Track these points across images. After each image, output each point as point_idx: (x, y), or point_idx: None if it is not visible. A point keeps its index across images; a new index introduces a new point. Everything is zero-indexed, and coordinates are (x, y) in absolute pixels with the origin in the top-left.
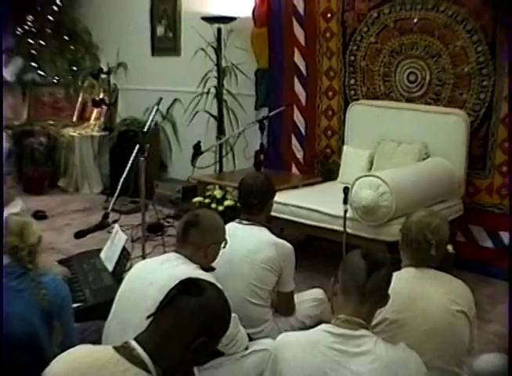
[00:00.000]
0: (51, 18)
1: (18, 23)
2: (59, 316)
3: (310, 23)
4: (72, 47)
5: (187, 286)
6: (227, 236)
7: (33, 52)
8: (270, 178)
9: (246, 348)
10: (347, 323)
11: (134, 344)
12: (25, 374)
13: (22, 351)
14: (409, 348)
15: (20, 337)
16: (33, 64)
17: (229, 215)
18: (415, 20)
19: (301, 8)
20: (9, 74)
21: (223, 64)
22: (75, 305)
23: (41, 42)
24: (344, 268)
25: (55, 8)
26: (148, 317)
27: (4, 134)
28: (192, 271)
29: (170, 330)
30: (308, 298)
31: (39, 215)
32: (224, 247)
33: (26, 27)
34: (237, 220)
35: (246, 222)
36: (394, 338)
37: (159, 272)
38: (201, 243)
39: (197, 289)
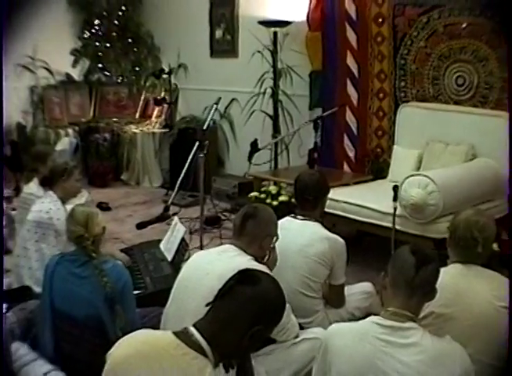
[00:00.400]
0: (116, 22)
1: (85, 27)
2: (121, 301)
3: (362, 27)
4: (135, 49)
5: (244, 276)
6: (282, 230)
7: (99, 53)
8: (325, 175)
9: (297, 337)
10: (396, 315)
11: (193, 330)
12: (92, 354)
13: (88, 333)
14: (454, 341)
15: (86, 320)
16: (99, 65)
17: (283, 210)
18: (463, 25)
19: (353, 13)
20: (76, 74)
21: (279, 66)
22: (136, 292)
23: (107, 45)
24: (394, 263)
25: (120, 13)
26: (206, 305)
27: (71, 130)
28: (247, 262)
29: (227, 318)
30: (358, 291)
31: (103, 207)
32: (275, 242)
33: (93, 30)
34: (292, 215)
35: (300, 217)
36: (440, 331)
37: (216, 263)
38: (257, 234)
39: (254, 279)
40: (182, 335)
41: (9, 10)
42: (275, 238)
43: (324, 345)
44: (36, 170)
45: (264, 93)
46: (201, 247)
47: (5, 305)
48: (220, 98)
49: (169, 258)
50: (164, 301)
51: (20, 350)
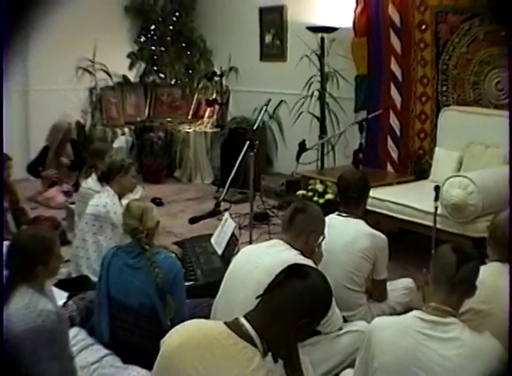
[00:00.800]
0: (170, 27)
1: (142, 32)
2: (171, 292)
3: (406, 33)
4: (189, 52)
5: (294, 270)
6: (328, 227)
7: (154, 57)
8: (366, 175)
9: (341, 329)
10: (437, 310)
11: (243, 320)
12: (146, 340)
13: (142, 321)
14: (492, 336)
15: (140, 308)
16: (154, 68)
17: (329, 208)
18: (503, 33)
19: (397, 20)
20: (133, 77)
21: (326, 70)
22: (187, 283)
23: (162, 48)
24: (436, 260)
25: (174, 18)
26: (257, 298)
27: (127, 129)
28: (294, 256)
29: (277, 310)
30: (399, 287)
31: (156, 202)
32: (322, 241)
33: (149, 35)
34: (337, 212)
35: (345, 215)
36: (479, 327)
37: (264, 257)
38: (304, 228)
39: (303, 274)
40: (233, 325)
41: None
42: (321, 237)
43: (368, 337)
44: (94, 166)
45: (311, 96)
46: (250, 242)
47: (65, 294)
48: (270, 100)
49: (219, 251)
50: (213, 292)
51: (79, 335)
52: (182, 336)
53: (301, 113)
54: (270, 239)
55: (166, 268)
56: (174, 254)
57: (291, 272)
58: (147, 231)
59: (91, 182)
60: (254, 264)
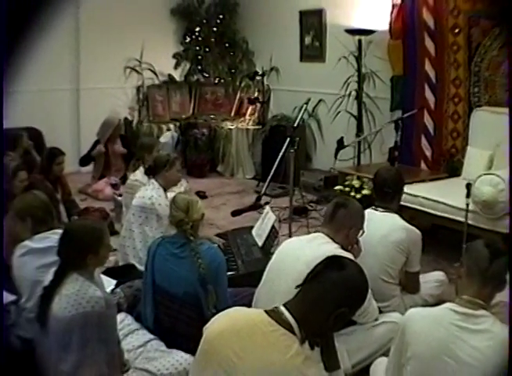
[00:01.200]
0: (214, 29)
1: (187, 33)
2: (214, 281)
3: (439, 36)
4: (231, 53)
5: (332, 262)
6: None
7: (198, 57)
8: (401, 171)
9: (376, 320)
10: (470, 303)
11: (283, 309)
12: (189, 327)
13: (186, 308)
14: None
15: (184, 296)
16: (198, 67)
17: (366, 203)
18: None
19: (431, 23)
20: (178, 76)
21: (363, 71)
22: (229, 273)
23: (206, 49)
24: (469, 255)
25: (218, 20)
26: (296, 287)
27: (172, 125)
28: (334, 250)
29: (315, 300)
30: (431, 279)
31: (200, 195)
32: (361, 236)
33: (193, 36)
34: (373, 207)
35: (381, 209)
36: (506, 320)
37: (305, 250)
38: (345, 223)
39: (341, 265)
40: (273, 313)
41: (119, 19)
42: (361, 231)
43: (402, 327)
44: (142, 159)
45: (349, 95)
46: (290, 235)
47: (113, 281)
48: (310, 99)
49: (260, 243)
50: (254, 282)
51: (125, 320)
52: (225, 323)
53: (338, 112)
54: (309, 232)
55: (209, 258)
56: (217, 246)
57: (330, 263)
58: (192, 223)
59: (138, 175)
60: (295, 256)
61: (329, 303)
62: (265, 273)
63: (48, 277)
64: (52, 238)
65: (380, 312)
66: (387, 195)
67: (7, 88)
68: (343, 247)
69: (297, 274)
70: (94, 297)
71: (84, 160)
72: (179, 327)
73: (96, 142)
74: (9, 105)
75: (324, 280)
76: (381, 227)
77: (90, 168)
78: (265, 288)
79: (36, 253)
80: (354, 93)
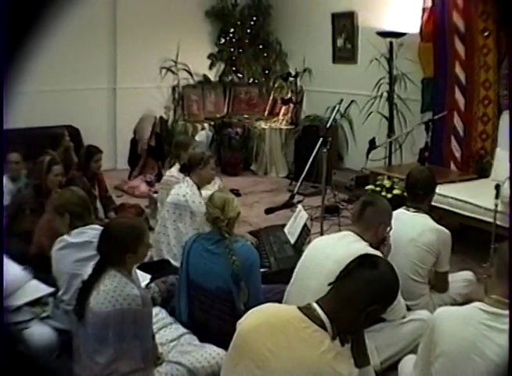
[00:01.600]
0: (248, 30)
1: (221, 35)
2: (247, 278)
3: (470, 39)
4: (265, 54)
5: (365, 260)
6: (395, 221)
7: (233, 58)
8: (433, 172)
9: (404, 317)
10: (499, 303)
11: (315, 306)
12: (222, 321)
13: (219, 303)
14: None
15: (217, 291)
16: (233, 68)
17: (396, 203)
18: None
19: (461, 26)
20: (212, 76)
21: (394, 72)
22: (262, 270)
23: (240, 50)
24: (499, 255)
25: (252, 22)
26: (329, 285)
27: (207, 124)
28: (364, 248)
29: (347, 297)
30: (460, 279)
31: (234, 193)
32: (389, 231)
33: (228, 37)
34: (404, 207)
35: (412, 210)
36: None
37: (335, 248)
38: (373, 221)
39: (373, 264)
40: (306, 310)
41: (155, 20)
42: (389, 228)
43: (431, 325)
44: (178, 156)
45: (380, 97)
46: (321, 233)
47: (147, 276)
48: (342, 99)
49: (292, 241)
50: (286, 279)
51: (159, 314)
52: (258, 318)
53: (370, 113)
54: (340, 230)
55: (243, 255)
56: (250, 243)
57: (362, 261)
58: (228, 220)
59: (174, 171)
60: (325, 254)
61: (362, 301)
62: (296, 271)
63: (86, 271)
64: (89, 233)
65: (409, 309)
66: (418, 195)
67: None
68: (372, 245)
69: (327, 272)
70: (131, 295)
71: (132, 160)
72: (212, 321)
73: (133, 141)
74: (46, 104)
75: (357, 277)
76: (412, 228)
77: (125, 165)
78: (296, 286)
79: (73, 247)
80: (385, 94)
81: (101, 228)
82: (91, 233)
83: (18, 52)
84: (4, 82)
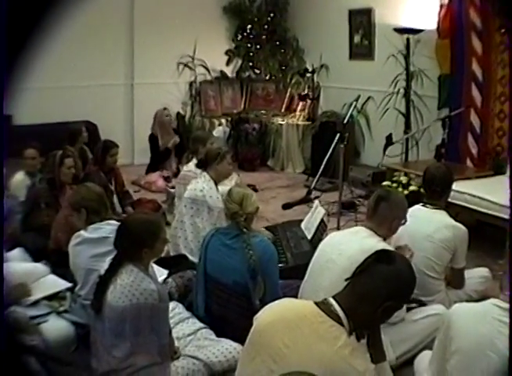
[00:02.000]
0: (265, 27)
1: (238, 31)
2: (264, 273)
3: (486, 36)
4: (282, 50)
5: (382, 256)
6: (412, 217)
7: (250, 54)
8: (450, 169)
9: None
10: None
11: (332, 301)
12: (238, 315)
13: (235, 297)
14: None
15: (234, 286)
16: (250, 64)
17: (413, 199)
18: None
19: (478, 23)
20: (230, 72)
21: (411, 69)
22: (279, 265)
23: (257, 46)
24: None
25: (269, 19)
26: (346, 280)
27: (224, 120)
28: (377, 244)
29: (364, 293)
30: (476, 275)
31: (250, 189)
32: (403, 224)
33: (245, 34)
34: (421, 203)
35: (429, 206)
36: None
37: (348, 244)
38: (388, 215)
39: (390, 259)
40: (323, 305)
41: (172, 16)
42: (403, 221)
43: (447, 321)
44: (196, 151)
45: (397, 93)
46: (338, 229)
47: (165, 271)
48: (359, 96)
49: (309, 236)
50: (302, 274)
51: (176, 309)
52: (275, 313)
53: (387, 109)
54: (356, 226)
55: (260, 250)
56: (268, 239)
57: (379, 257)
58: (246, 215)
59: (192, 166)
60: (338, 251)
61: (378, 296)
62: (309, 267)
63: (103, 266)
64: (105, 229)
65: (425, 305)
66: (435, 192)
67: (57, 84)
68: (385, 240)
69: (340, 269)
70: (148, 289)
71: (154, 158)
72: (229, 315)
73: (151, 137)
74: (64, 99)
75: (374, 273)
76: (429, 224)
77: (142, 160)
78: (309, 283)
79: (90, 243)
80: (402, 91)
81: (117, 223)
82: (108, 228)
83: (33, 49)
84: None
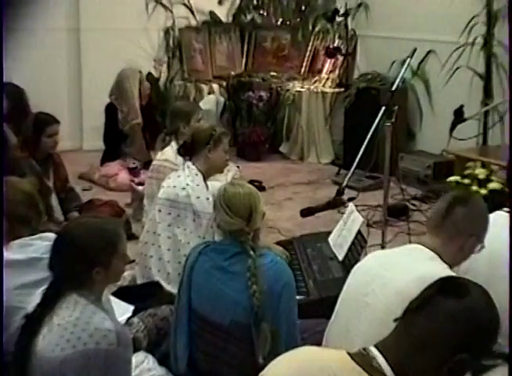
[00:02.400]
0: None
1: None
2: (274, 312)
3: None
4: None
5: (448, 285)
6: (492, 228)
7: None
8: None
9: None
10: None
11: (375, 352)
12: (235, 371)
13: (233, 344)
14: None
15: (231, 327)
16: (253, 2)
17: (494, 202)
18: None
19: None
20: (223, 14)
21: (494, 7)
22: (296, 297)
23: None
24: None
25: None
26: (394, 321)
27: (216, 86)
28: (441, 271)
29: (422, 340)
30: None
31: (255, 186)
32: (479, 251)
33: None
34: (505, 209)
35: None
36: None
37: (396, 270)
38: (462, 228)
39: (461, 290)
40: (360, 357)
41: None
42: (480, 245)
43: None
44: (175, 132)
45: (472, 44)
46: (383, 245)
47: (130, 307)
48: (415, 49)
49: (340, 256)
50: (330, 311)
51: (145, 363)
52: (290, 368)
53: (457, 69)
54: (410, 242)
55: (271, 277)
56: (281, 259)
57: (443, 287)
58: (254, 232)
59: (169, 154)
60: (381, 279)
61: (444, 345)
62: (339, 303)
63: (32, 300)
64: (37, 246)
65: None
66: None
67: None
68: (451, 267)
69: (385, 305)
70: (101, 329)
71: (109, 138)
72: (221, 371)
73: (109, 107)
74: None
75: (435, 311)
76: None
77: (95, 145)
78: (338, 322)
79: (13, 267)
80: (480, 41)
81: (54, 236)
82: (41, 245)
83: None
84: None
